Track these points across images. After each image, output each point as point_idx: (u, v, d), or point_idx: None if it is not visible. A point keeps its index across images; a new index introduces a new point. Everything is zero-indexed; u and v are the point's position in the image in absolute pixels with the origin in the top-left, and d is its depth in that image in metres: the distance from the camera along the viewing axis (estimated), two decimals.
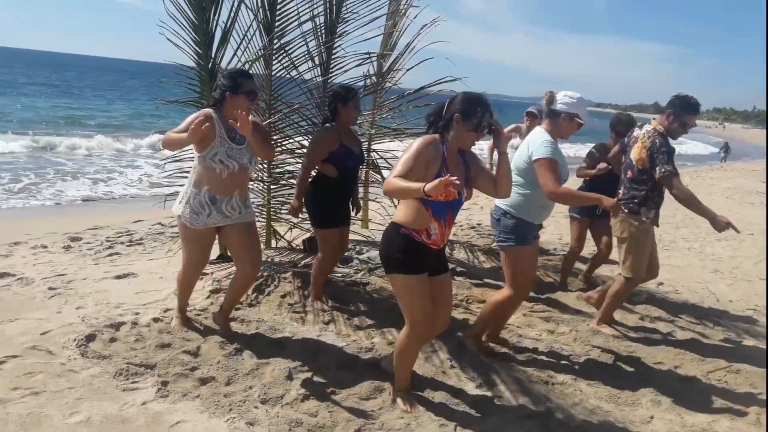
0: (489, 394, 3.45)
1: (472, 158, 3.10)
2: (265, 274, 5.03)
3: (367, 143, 6.44)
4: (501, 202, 3.81)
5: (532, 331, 4.49)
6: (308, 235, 6.01)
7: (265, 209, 5.70)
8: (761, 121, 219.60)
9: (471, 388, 3.50)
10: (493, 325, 4.09)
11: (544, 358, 4.00)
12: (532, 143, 3.73)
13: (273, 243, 5.95)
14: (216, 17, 5.06)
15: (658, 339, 4.53)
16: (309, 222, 6.07)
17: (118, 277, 4.99)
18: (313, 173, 4.39)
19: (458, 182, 2.53)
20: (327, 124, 4.40)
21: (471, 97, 2.92)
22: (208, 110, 3.53)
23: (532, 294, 5.29)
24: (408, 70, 6.08)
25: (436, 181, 2.52)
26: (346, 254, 5.83)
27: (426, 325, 3.05)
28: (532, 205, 3.76)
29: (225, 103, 3.53)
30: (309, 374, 3.47)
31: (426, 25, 5.89)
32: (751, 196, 14.34)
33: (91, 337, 3.67)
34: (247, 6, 5.12)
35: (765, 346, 4.53)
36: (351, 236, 6.23)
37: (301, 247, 5.91)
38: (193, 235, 3.68)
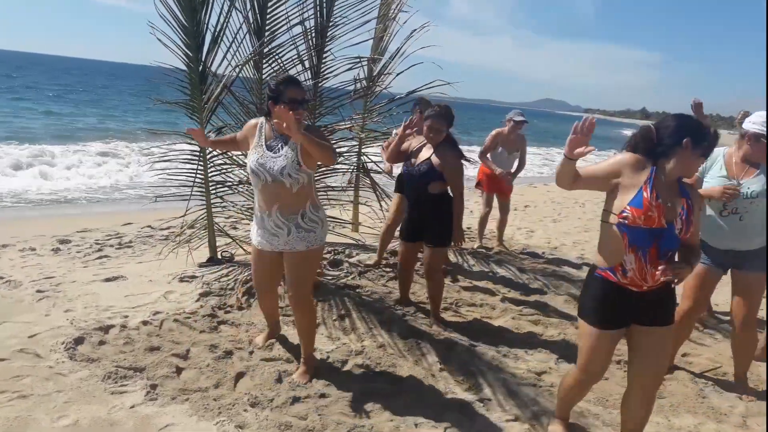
0: (477, 396, 3.47)
1: (692, 191, 2.64)
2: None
3: (357, 147, 6.46)
4: None
5: (520, 334, 4.52)
6: None
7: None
8: None
9: (460, 391, 3.52)
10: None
11: (532, 360, 4.03)
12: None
13: None
14: (207, 20, 5.07)
15: None
16: None
17: (107, 279, 4.97)
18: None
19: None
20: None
21: (696, 122, 2.59)
22: (257, 119, 3.43)
23: (520, 297, 5.34)
24: (398, 74, 6.11)
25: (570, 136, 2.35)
26: (336, 257, 5.85)
27: (594, 380, 2.85)
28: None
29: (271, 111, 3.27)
30: (299, 377, 3.47)
31: (416, 30, 5.92)
32: None
33: (79, 340, 3.66)
34: (237, 9, 5.13)
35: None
36: (341, 240, 6.27)
37: None
38: (254, 255, 3.53)
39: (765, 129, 3.39)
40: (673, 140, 2.50)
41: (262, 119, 3.41)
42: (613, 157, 2.61)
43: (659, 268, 2.43)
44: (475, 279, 5.74)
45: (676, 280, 2.51)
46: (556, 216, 10.14)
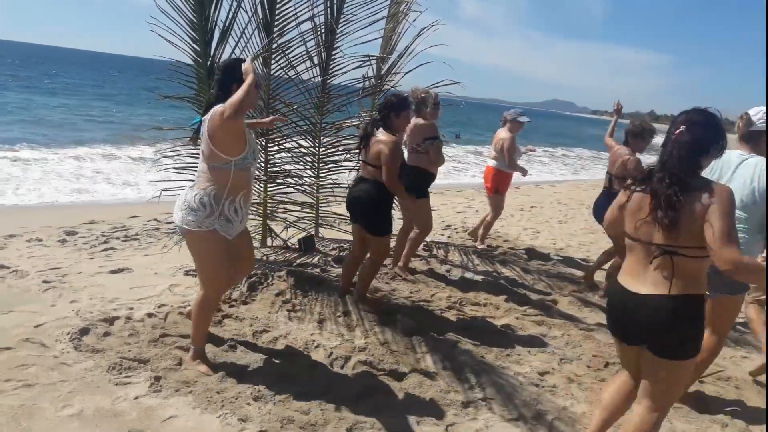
0: (480, 396, 3.47)
1: None
2: (260, 272, 5.05)
3: None
4: None
5: (524, 334, 4.52)
6: (303, 234, 6.04)
7: (261, 207, 5.72)
8: None
9: (462, 390, 3.53)
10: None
11: (535, 361, 4.03)
12: (761, 175, 3.20)
13: (268, 241, 5.97)
14: (215, 15, 5.08)
15: None
16: (303, 221, 6.12)
17: (113, 271, 4.99)
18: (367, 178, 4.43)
19: None
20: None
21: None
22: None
23: (524, 297, 5.34)
24: (406, 73, 6.10)
25: None
26: (341, 254, 5.86)
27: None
28: (754, 242, 3.34)
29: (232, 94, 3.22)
30: (301, 372, 3.48)
31: (425, 28, 5.91)
32: None
33: (84, 331, 3.68)
34: (243, 8, 5.13)
35: (754, 355, 4.57)
36: (346, 236, 6.28)
37: (297, 246, 5.93)
38: (224, 246, 3.31)
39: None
40: None
41: None
42: None
43: None
44: (480, 278, 5.74)
45: None
46: (561, 217, 10.13)
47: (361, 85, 6.09)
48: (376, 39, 6.01)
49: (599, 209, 5.49)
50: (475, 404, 3.37)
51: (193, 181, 3.38)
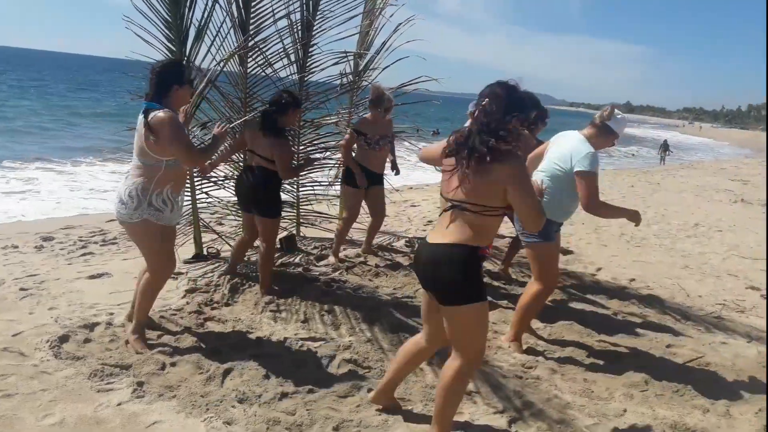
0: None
1: None
2: (242, 273, 5.02)
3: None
4: None
5: (506, 327, 4.54)
6: (285, 233, 6.01)
7: None
8: (729, 121, 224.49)
9: None
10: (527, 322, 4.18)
11: (518, 353, 4.05)
12: (576, 153, 3.71)
13: None
14: (191, 14, 5.01)
15: (631, 333, 4.61)
16: (284, 221, 6.09)
17: (92, 277, 4.93)
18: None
19: None
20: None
21: None
22: (168, 111, 3.37)
23: (506, 291, 5.37)
24: (384, 69, 6.10)
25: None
26: (323, 252, 5.84)
27: (484, 354, 2.86)
28: (558, 208, 3.84)
29: (171, 95, 3.43)
30: (286, 373, 3.47)
31: (401, 23, 5.91)
32: (720, 193, 14.66)
33: (64, 338, 3.63)
34: (219, 5, 5.08)
35: (735, 340, 4.65)
36: (328, 235, 6.27)
37: (278, 246, 5.89)
38: (161, 231, 3.52)
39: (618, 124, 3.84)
40: None
41: (168, 111, 3.36)
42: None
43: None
44: None
45: None
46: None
47: (339, 81, 6.08)
48: (353, 35, 6.00)
49: None
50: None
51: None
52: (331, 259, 5.70)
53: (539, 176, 3.83)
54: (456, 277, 2.58)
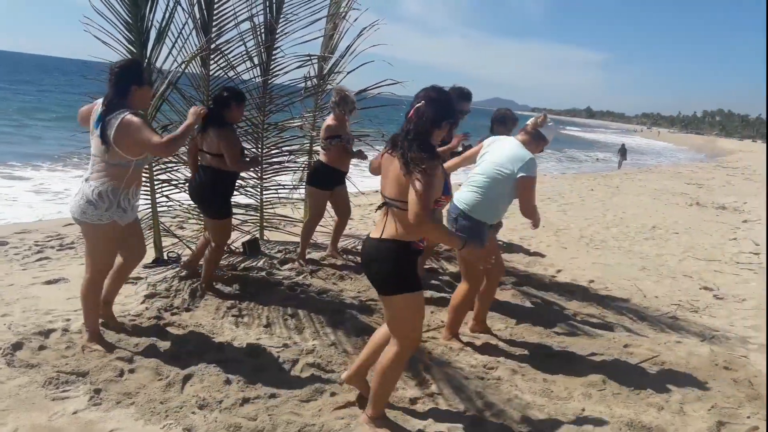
0: (427, 391, 3.51)
1: None
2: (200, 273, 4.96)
3: (308, 145, 6.43)
4: (459, 202, 3.98)
5: (467, 327, 4.59)
6: (248, 237, 5.96)
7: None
8: (686, 126, 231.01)
9: (410, 387, 3.56)
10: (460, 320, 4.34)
11: (479, 354, 4.10)
12: (519, 158, 3.85)
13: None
14: (151, 15, 4.94)
15: (589, 334, 4.71)
16: (247, 224, 6.05)
17: (48, 282, 4.80)
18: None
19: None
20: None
21: None
22: (131, 112, 3.36)
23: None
24: (348, 72, 6.11)
25: (480, 252, 2.89)
26: (286, 256, 5.81)
27: (416, 346, 2.97)
28: (492, 210, 3.98)
29: (130, 95, 3.42)
30: (248, 378, 3.44)
31: (366, 28, 5.94)
32: (676, 197, 15.06)
33: (17, 346, 3.53)
34: (180, 7, 5.01)
35: (689, 339, 4.79)
36: (292, 238, 6.25)
37: (241, 250, 5.84)
38: (117, 232, 3.52)
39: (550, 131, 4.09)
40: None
41: (131, 113, 3.36)
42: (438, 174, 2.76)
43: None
44: (426, 275, 5.80)
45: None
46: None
47: (303, 84, 6.07)
48: (317, 38, 5.99)
49: None
50: (423, 399, 3.41)
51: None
52: (297, 263, 5.68)
53: (477, 179, 3.97)
54: (386, 269, 2.77)
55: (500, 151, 3.97)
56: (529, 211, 3.94)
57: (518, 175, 3.83)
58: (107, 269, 3.68)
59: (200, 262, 5.00)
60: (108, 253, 3.59)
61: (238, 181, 5.76)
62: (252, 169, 5.94)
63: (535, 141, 4.03)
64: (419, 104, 2.71)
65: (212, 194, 4.53)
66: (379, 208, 2.85)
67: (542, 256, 7.30)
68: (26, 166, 13.15)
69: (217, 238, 4.65)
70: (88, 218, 3.39)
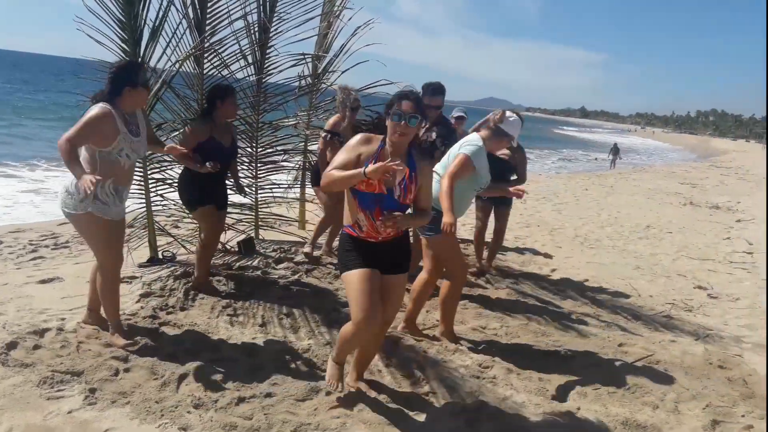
0: (422, 390, 3.52)
1: (421, 163, 3.05)
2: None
3: (303, 144, 6.43)
4: None
5: (464, 327, 4.60)
6: (243, 237, 5.95)
7: None
8: (679, 126, 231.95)
9: (405, 386, 3.56)
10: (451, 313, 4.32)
11: (475, 354, 4.10)
12: (464, 142, 4.00)
13: None
14: (145, 14, 4.92)
15: (584, 333, 4.73)
16: (242, 223, 6.04)
17: (43, 281, 4.79)
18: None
19: (400, 168, 2.78)
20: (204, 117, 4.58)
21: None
22: (106, 106, 3.39)
23: (463, 291, 5.42)
24: (343, 72, 6.12)
25: (379, 164, 2.72)
26: (281, 256, 5.80)
27: (365, 324, 2.97)
28: (456, 202, 3.93)
29: (122, 96, 3.45)
30: (244, 377, 3.43)
31: (360, 27, 5.94)
32: (670, 196, 15.13)
33: (12, 345, 3.51)
34: (175, 6, 5.00)
35: (683, 338, 4.81)
36: (288, 237, 6.24)
37: (236, 249, 5.83)
38: (110, 227, 3.54)
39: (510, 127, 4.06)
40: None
41: (108, 106, 3.39)
42: (350, 142, 3.04)
43: (378, 219, 2.92)
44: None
45: (397, 228, 3.00)
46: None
47: (297, 83, 6.06)
48: (311, 37, 6.00)
49: None
50: (418, 399, 3.41)
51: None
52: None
53: (439, 171, 3.99)
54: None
55: (458, 145, 4.07)
56: (446, 185, 3.78)
57: (459, 151, 3.91)
58: (113, 263, 3.64)
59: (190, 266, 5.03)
60: (105, 247, 3.58)
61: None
62: (246, 168, 5.95)
63: (497, 137, 4.05)
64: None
65: (183, 185, 4.63)
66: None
67: (550, 257, 7.31)
68: (24, 166, 13.10)
69: (202, 234, 4.68)
70: (68, 209, 3.46)
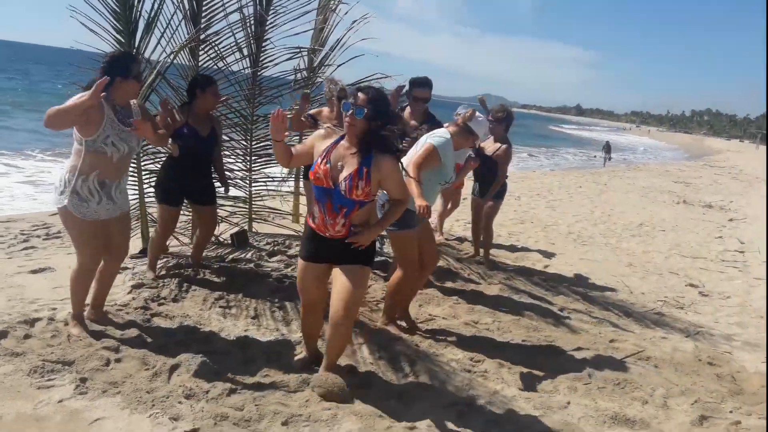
0: (414, 383, 3.53)
1: (378, 159, 3.05)
2: (191, 269, 4.95)
3: (297, 137, 6.41)
4: None
5: (456, 321, 4.61)
6: (236, 229, 5.95)
7: None
8: (674, 125, 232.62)
9: (397, 379, 3.57)
10: (399, 305, 4.34)
11: (467, 348, 4.11)
12: (432, 134, 4.08)
13: None
14: (140, 5, 4.89)
15: (576, 328, 4.75)
16: (236, 216, 6.04)
17: (34, 271, 4.77)
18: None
19: (284, 115, 3.06)
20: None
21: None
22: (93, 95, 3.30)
23: (456, 287, 5.45)
24: (339, 66, 6.09)
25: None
26: (275, 249, 5.80)
27: (311, 307, 3.41)
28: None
29: (113, 86, 3.40)
30: (235, 369, 3.44)
31: (356, 21, 5.92)
32: (663, 195, 15.18)
33: (2, 334, 3.50)
34: None
35: (674, 335, 4.84)
36: (282, 231, 6.23)
37: (229, 242, 5.83)
38: (85, 226, 3.48)
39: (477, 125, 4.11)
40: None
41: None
42: (313, 133, 3.23)
43: (350, 229, 3.09)
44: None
45: (366, 240, 3.11)
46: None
47: (293, 77, 6.04)
48: (307, 30, 5.98)
49: None
50: (410, 392, 3.42)
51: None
52: None
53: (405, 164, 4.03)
54: None
55: (426, 136, 4.10)
56: (411, 175, 3.73)
57: (426, 141, 3.95)
58: (89, 263, 3.60)
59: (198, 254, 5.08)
60: (79, 245, 3.55)
61: (227, 173, 5.76)
62: (241, 161, 5.94)
63: (464, 134, 4.11)
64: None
65: (159, 176, 4.73)
66: None
67: (547, 254, 7.32)
68: (17, 156, 13.03)
69: (159, 227, 4.80)
70: (53, 201, 3.48)
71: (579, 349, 4.32)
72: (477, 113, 4.12)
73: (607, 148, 29.08)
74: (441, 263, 6.15)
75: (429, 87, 5.10)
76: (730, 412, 3.59)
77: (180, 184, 4.65)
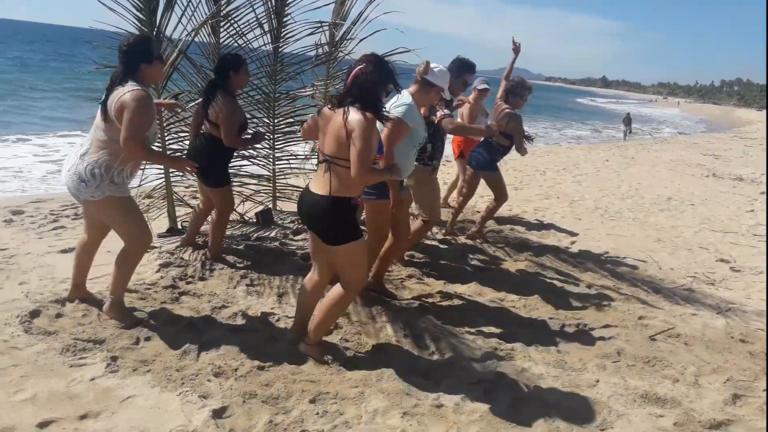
0: (440, 361, 3.52)
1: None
2: (202, 244, 4.97)
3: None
4: None
5: (482, 299, 4.58)
6: (261, 208, 5.96)
7: None
8: (702, 96, 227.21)
9: (424, 356, 3.57)
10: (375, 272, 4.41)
11: (493, 325, 4.09)
12: (394, 105, 3.84)
13: None
14: None
15: (604, 305, 4.69)
16: (260, 195, 6.05)
17: (64, 251, 4.84)
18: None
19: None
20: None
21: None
22: (140, 88, 3.26)
23: (483, 264, 5.41)
24: (361, 40, 6.01)
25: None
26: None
27: (365, 283, 3.41)
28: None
29: (140, 72, 3.35)
30: (263, 347, 3.46)
31: None
32: (692, 168, 14.87)
33: (35, 313, 3.56)
34: None
35: (704, 312, 4.75)
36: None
37: (254, 220, 5.85)
38: (129, 201, 3.52)
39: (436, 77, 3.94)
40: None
41: (141, 88, 3.27)
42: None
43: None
44: (439, 246, 5.78)
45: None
46: (517, 184, 10.25)
47: (314, 52, 5.98)
48: (328, 4, 5.89)
49: (476, 157, 6.12)
50: (437, 369, 3.41)
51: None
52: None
53: None
54: (326, 223, 3.08)
55: (387, 107, 3.90)
56: (385, 155, 3.62)
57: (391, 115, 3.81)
58: (145, 237, 3.59)
59: (198, 236, 5.07)
60: (134, 219, 3.53)
61: (250, 151, 5.75)
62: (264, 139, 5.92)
63: (424, 90, 3.94)
64: (361, 66, 3.00)
65: (208, 163, 4.42)
66: (320, 163, 3.09)
67: (578, 232, 7.23)
68: (47, 135, 13.18)
69: (219, 206, 4.66)
70: (82, 195, 3.37)
71: (607, 326, 4.27)
72: (432, 63, 3.92)
73: (628, 120, 27.89)
74: (466, 241, 6.11)
75: (473, 71, 5.03)
76: (764, 390, 3.52)
77: (225, 165, 4.73)
